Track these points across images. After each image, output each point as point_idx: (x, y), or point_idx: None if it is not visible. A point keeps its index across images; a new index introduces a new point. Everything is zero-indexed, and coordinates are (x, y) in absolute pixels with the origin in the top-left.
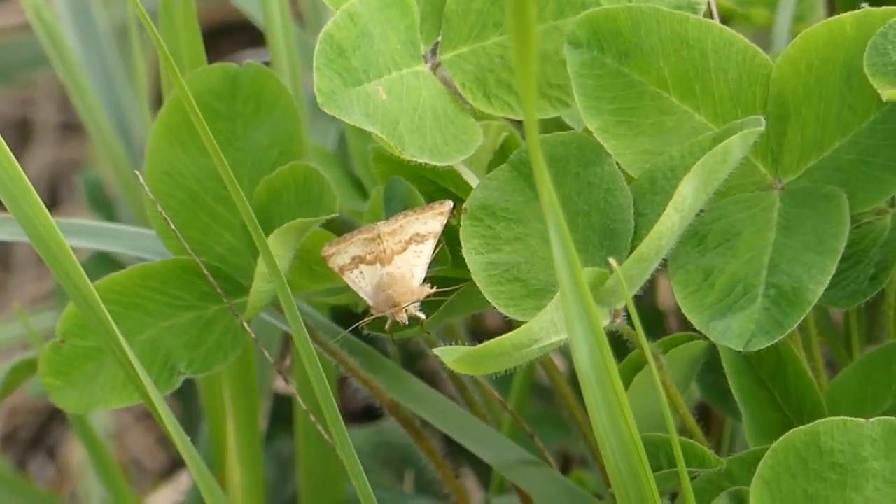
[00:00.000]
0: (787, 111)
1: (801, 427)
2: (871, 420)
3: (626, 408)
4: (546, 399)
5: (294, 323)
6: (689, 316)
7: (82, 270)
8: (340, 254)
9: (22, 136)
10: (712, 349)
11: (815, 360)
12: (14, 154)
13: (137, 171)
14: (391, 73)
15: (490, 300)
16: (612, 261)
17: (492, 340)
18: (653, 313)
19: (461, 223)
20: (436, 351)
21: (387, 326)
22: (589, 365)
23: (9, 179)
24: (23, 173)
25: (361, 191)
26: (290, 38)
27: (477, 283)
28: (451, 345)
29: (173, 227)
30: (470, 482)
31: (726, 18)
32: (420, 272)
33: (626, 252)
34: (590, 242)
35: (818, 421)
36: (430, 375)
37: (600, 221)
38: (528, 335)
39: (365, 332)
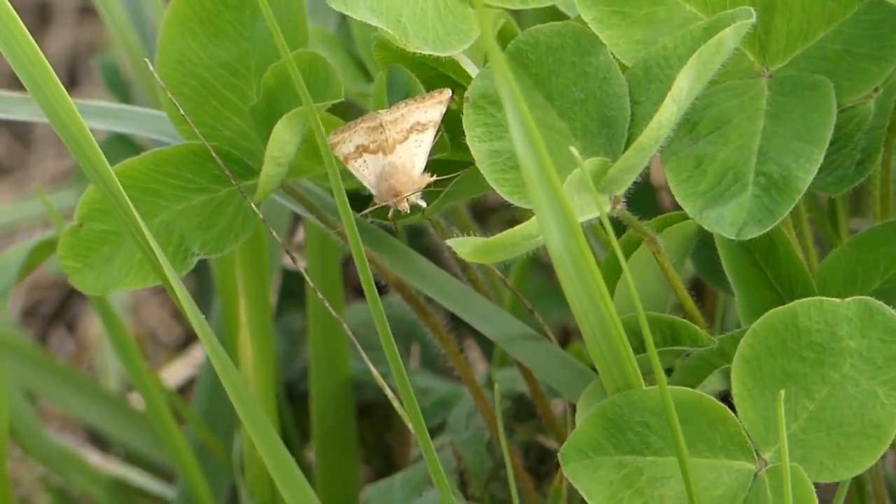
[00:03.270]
0: (774, 2)
1: (779, 307)
2: (848, 300)
3: (604, 291)
4: (546, 273)
5: (349, 226)
6: (682, 203)
7: (102, 155)
8: (345, 142)
9: (41, 19)
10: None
11: (805, 239)
12: (33, 37)
13: (147, 60)
14: None
15: (494, 187)
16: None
17: (504, 233)
18: (646, 189)
19: (463, 112)
20: (448, 242)
21: (389, 215)
22: (563, 250)
23: (29, 63)
24: (42, 56)
25: (365, 73)
26: None
27: (481, 171)
28: (453, 225)
29: (184, 112)
30: (473, 356)
31: None
32: (421, 161)
33: (624, 139)
34: (588, 130)
35: (796, 301)
36: (434, 252)
37: (597, 110)
38: (533, 229)
39: (369, 218)
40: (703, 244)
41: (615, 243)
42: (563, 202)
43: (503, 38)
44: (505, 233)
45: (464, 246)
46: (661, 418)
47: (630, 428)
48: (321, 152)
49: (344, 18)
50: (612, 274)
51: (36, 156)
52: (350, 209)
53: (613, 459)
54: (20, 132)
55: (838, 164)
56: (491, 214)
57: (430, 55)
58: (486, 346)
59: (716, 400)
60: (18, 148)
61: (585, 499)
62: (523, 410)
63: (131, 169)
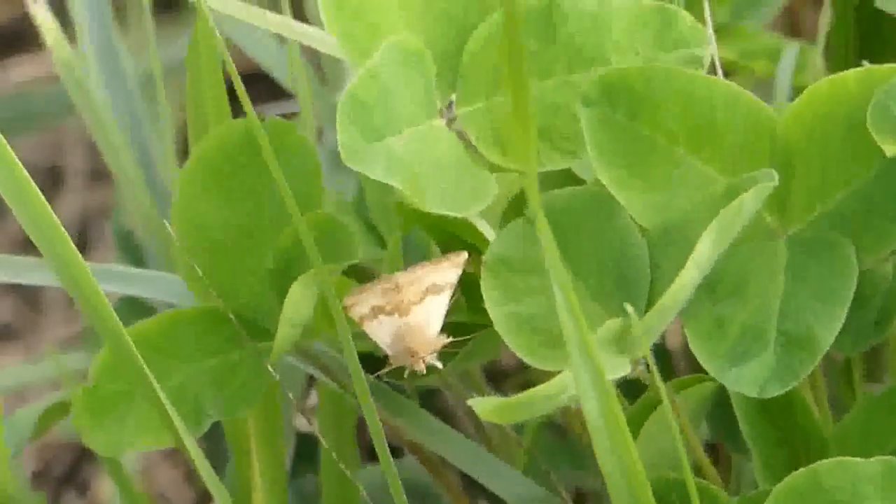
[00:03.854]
0: (793, 163)
1: (802, 469)
2: (871, 460)
3: (635, 457)
4: (560, 435)
5: (359, 385)
6: (703, 363)
7: (116, 316)
8: (360, 304)
9: (52, 182)
10: (721, 388)
11: (819, 399)
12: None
13: (166, 222)
14: (410, 128)
15: (512, 349)
16: (628, 307)
17: (523, 393)
18: (662, 354)
19: (481, 275)
20: (469, 402)
21: (405, 375)
22: (598, 418)
23: (43, 226)
24: (56, 219)
25: (380, 239)
26: (308, 92)
27: (499, 332)
28: (467, 386)
29: (202, 274)
30: None
31: (729, 72)
32: (437, 322)
33: (644, 301)
34: (607, 294)
35: (819, 462)
36: (447, 413)
37: (616, 272)
38: (560, 386)
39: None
40: (717, 405)
41: (618, 410)
42: (600, 372)
43: (520, 201)
44: (525, 392)
45: (484, 406)
46: None
47: None
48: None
49: (361, 189)
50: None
51: (45, 320)
52: (362, 371)
53: None
54: (29, 296)
55: (855, 323)
56: (504, 379)
57: (446, 218)
58: None
59: None
60: (27, 312)
61: None
62: None
63: (145, 330)
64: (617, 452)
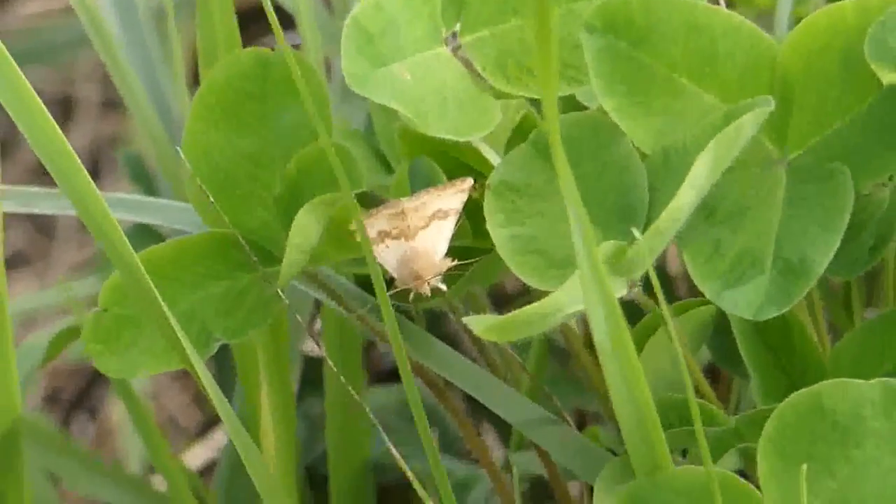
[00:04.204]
0: (792, 92)
1: (803, 389)
2: (871, 382)
3: (641, 377)
4: (562, 360)
5: (385, 308)
6: (700, 286)
7: (127, 242)
8: (367, 228)
9: (65, 113)
10: (721, 313)
11: (818, 325)
12: None
13: (178, 149)
14: (415, 56)
15: (514, 270)
16: (635, 231)
17: (519, 310)
18: (662, 279)
19: (485, 198)
20: (465, 320)
21: (410, 298)
22: (606, 338)
23: (58, 155)
24: (70, 149)
25: (387, 167)
26: (314, 23)
27: (501, 255)
28: (472, 311)
29: (213, 200)
30: (490, 439)
31: (730, 3)
32: (442, 247)
33: (642, 225)
34: (607, 217)
35: (820, 383)
36: (453, 337)
37: (617, 197)
38: (554, 305)
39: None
40: (718, 331)
41: (625, 329)
42: (609, 296)
43: (524, 127)
44: (520, 311)
45: (480, 323)
46: (686, 498)
47: None
48: (345, 237)
49: (370, 117)
50: None
51: (56, 247)
52: (386, 290)
53: None
54: (42, 224)
55: (851, 249)
56: (508, 303)
57: (450, 143)
58: (504, 429)
59: (741, 479)
60: (39, 239)
61: None
62: (540, 492)
63: (155, 256)
64: (623, 368)
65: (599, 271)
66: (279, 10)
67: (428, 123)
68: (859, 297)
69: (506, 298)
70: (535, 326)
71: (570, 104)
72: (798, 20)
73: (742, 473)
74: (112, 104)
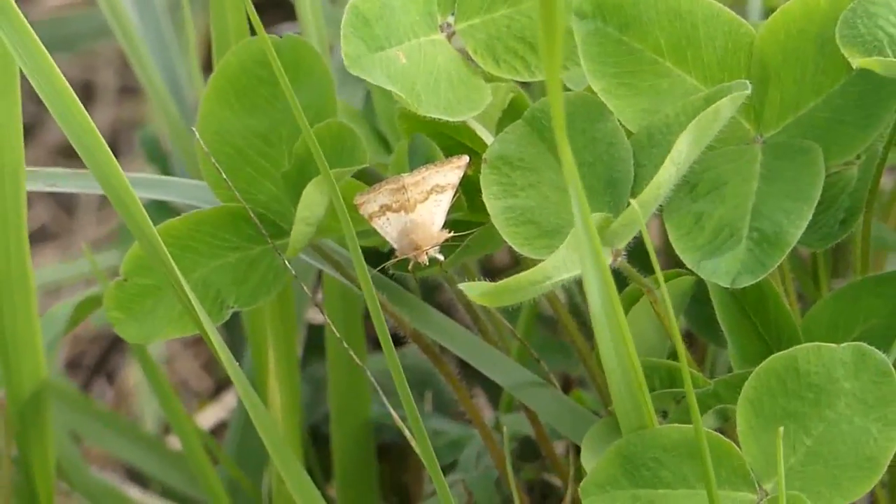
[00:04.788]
0: (768, 75)
1: (780, 352)
2: (843, 345)
3: (630, 341)
4: (549, 328)
5: (362, 277)
6: (681, 256)
7: (147, 216)
8: (370, 202)
9: (85, 97)
10: (699, 283)
11: (788, 294)
12: None
13: (194, 129)
14: (410, 41)
15: (507, 240)
16: (631, 201)
17: (511, 277)
18: (641, 251)
19: (481, 171)
20: (461, 286)
21: (410, 267)
22: (599, 304)
23: (84, 136)
24: (96, 130)
25: (386, 145)
26: (318, 12)
27: (496, 225)
28: (466, 281)
29: (225, 176)
30: (482, 401)
31: None
32: (440, 219)
33: (627, 199)
34: (594, 190)
35: (796, 347)
36: (447, 306)
37: (604, 172)
38: (543, 273)
39: (390, 271)
40: (695, 300)
41: (616, 297)
42: (602, 261)
43: (515, 108)
44: (512, 277)
45: (474, 290)
46: (672, 454)
47: (644, 464)
48: (353, 212)
49: (369, 98)
50: None
51: (78, 223)
52: (365, 264)
53: (628, 493)
54: (64, 201)
55: (823, 222)
56: (499, 274)
57: (446, 123)
58: (495, 391)
59: (722, 436)
60: (63, 216)
61: None
62: (528, 451)
63: (172, 229)
64: (614, 332)
65: (595, 241)
66: (285, 3)
67: (420, 103)
68: (826, 269)
69: (495, 271)
70: (525, 293)
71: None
72: (767, 10)
73: (720, 433)
74: (130, 90)
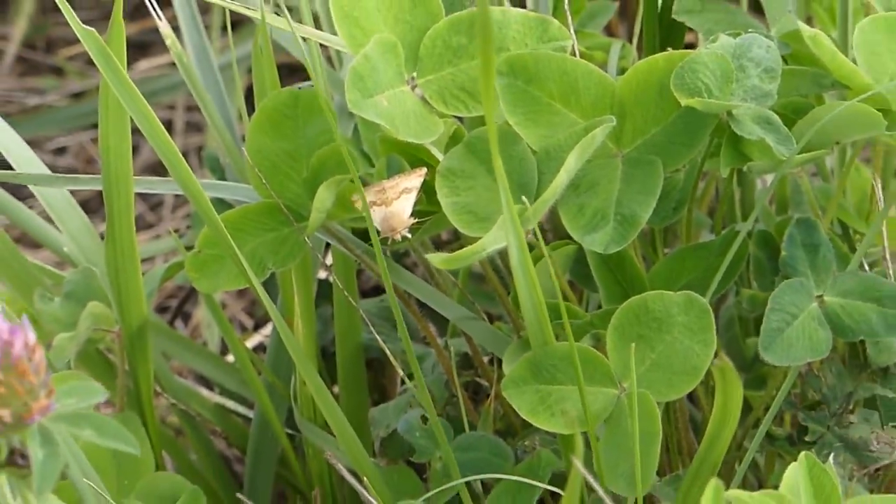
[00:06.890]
0: (625, 112)
1: (635, 297)
2: (678, 293)
3: (538, 286)
4: (479, 281)
5: (381, 262)
6: (570, 232)
7: (213, 209)
8: (361, 199)
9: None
10: (579, 250)
11: (637, 257)
12: None
13: (243, 149)
14: (389, 91)
15: (455, 224)
16: (525, 201)
17: (461, 250)
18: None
19: (436, 178)
20: (427, 256)
21: (389, 242)
22: (518, 262)
23: (171, 156)
24: (178, 152)
25: (370, 162)
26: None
27: (446, 214)
28: (425, 250)
29: (264, 181)
30: (436, 330)
31: (583, 55)
32: (409, 210)
33: (533, 197)
34: (512, 191)
35: (645, 293)
36: (412, 267)
37: (518, 178)
38: (482, 245)
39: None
40: (577, 261)
41: (528, 258)
42: (521, 235)
43: (456, 136)
44: (465, 249)
45: (437, 258)
46: (564, 362)
47: (545, 368)
48: (350, 205)
49: (356, 128)
50: None
51: (164, 215)
52: (378, 241)
53: (533, 387)
54: (154, 200)
55: (662, 209)
56: (444, 246)
57: (413, 146)
58: (444, 323)
59: (596, 351)
60: (152, 210)
61: (517, 411)
62: (467, 362)
63: (230, 217)
64: (527, 280)
65: (517, 223)
66: (301, 66)
67: (398, 131)
68: (661, 239)
69: (442, 243)
70: (470, 259)
71: (479, 121)
72: (621, 69)
73: (595, 349)
74: (195, 125)
